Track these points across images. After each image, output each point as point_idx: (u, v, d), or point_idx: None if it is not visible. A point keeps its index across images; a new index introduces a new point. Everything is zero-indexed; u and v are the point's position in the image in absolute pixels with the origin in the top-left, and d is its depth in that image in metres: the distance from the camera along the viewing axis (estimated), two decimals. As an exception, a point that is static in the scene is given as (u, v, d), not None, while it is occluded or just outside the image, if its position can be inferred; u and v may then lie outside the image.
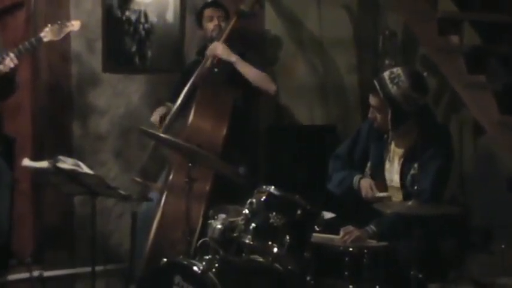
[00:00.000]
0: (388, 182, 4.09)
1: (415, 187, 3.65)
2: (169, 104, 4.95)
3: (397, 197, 4.03)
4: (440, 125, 4.24)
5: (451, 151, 4.06)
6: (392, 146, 4.09)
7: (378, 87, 3.95)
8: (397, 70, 3.94)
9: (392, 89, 3.91)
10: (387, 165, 4.10)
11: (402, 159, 4.03)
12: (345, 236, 3.83)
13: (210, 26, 4.96)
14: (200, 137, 4.53)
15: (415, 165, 3.93)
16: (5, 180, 4.59)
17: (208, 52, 4.82)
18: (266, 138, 5.63)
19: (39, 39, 4.52)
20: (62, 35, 4.60)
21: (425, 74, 4.10)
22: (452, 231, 4.36)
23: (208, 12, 4.99)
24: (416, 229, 3.52)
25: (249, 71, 4.80)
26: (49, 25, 4.56)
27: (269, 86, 4.86)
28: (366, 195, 4.05)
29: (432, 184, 3.88)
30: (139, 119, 5.19)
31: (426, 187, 3.82)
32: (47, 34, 4.54)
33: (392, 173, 4.08)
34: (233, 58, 4.79)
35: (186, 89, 4.77)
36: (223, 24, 4.92)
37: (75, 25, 4.65)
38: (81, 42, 5.08)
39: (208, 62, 4.80)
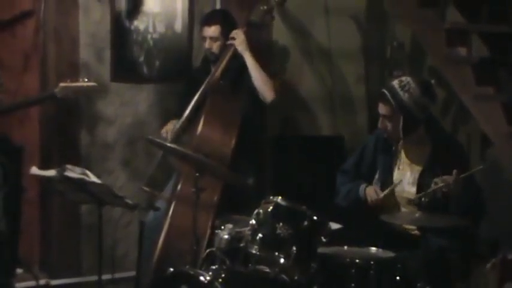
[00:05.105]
0: (398, 193, 4.09)
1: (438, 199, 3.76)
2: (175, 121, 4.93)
3: (407, 207, 4.03)
4: (451, 136, 4.26)
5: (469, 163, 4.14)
6: (402, 155, 4.10)
7: (388, 95, 3.97)
8: (406, 79, 4.00)
9: (404, 96, 3.94)
10: (396, 174, 4.10)
11: (420, 172, 4.03)
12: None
13: (205, 45, 4.92)
14: (209, 146, 4.53)
15: (436, 179, 3.89)
16: None
17: (231, 34, 4.79)
18: (273, 149, 5.62)
19: (53, 96, 4.56)
20: (76, 95, 4.64)
21: (433, 81, 4.14)
22: (460, 243, 4.35)
23: (202, 31, 4.94)
24: (425, 240, 3.52)
25: (257, 71, 4.77)
26: (63, 82, 4.57)
27: (268, 92, 4.80)
28: (371, 200, 4.06)
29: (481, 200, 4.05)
30: (147, 128, 5.20)
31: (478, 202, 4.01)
32: (61, 90, 4.56)
33: (404, 183, 4.07)
34: (247, 53, 4.77)
35: (195, 98, 4.77)
36: (215, 46, 4.85)
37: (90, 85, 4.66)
38: (90, 51, 5.09)
39: (228, 56, 4.79)
